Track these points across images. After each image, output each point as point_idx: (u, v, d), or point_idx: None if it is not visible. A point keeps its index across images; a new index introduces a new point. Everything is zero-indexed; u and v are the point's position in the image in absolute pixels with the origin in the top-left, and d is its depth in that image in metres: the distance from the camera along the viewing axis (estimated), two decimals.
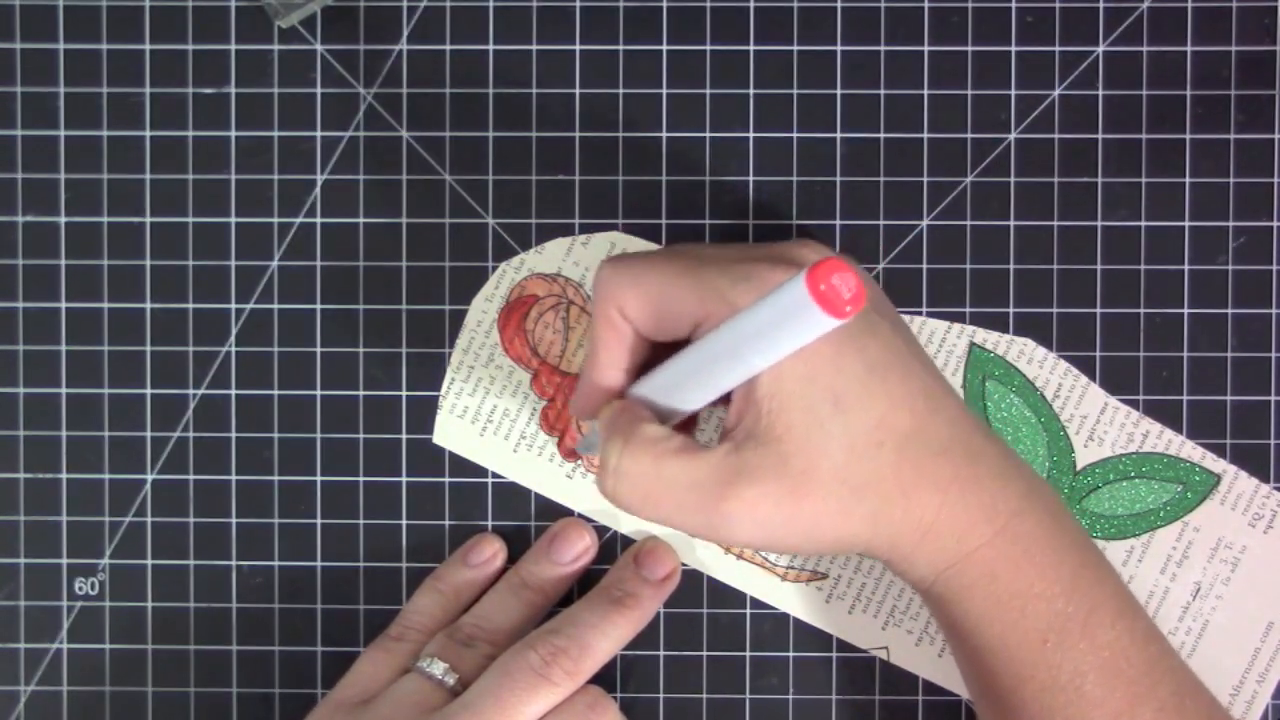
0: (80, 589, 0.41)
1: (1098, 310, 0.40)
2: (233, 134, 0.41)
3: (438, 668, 0.36)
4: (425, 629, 0.38)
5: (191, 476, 0.41)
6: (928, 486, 0.32)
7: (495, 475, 0.41)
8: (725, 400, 0.33)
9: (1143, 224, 0.40)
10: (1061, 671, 0.32)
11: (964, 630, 0.33)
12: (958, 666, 0.36)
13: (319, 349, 0.41)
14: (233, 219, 0.41)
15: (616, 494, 0.32)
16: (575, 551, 0.40)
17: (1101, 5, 0.40)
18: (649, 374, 0.34)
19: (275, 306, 0.41)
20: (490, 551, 0.40)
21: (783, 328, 0.28)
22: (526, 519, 0.41)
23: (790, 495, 0.31)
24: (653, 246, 0.41)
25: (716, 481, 0.31)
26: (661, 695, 0.41)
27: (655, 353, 0.34)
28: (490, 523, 0.41)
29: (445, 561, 0.40)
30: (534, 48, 0.41)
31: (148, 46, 0.41)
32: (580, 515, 0.41)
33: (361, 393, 0.41)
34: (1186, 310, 0.40)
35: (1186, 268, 0.40)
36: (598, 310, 0.33)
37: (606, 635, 0.37)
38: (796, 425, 0.31)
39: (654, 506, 0.32)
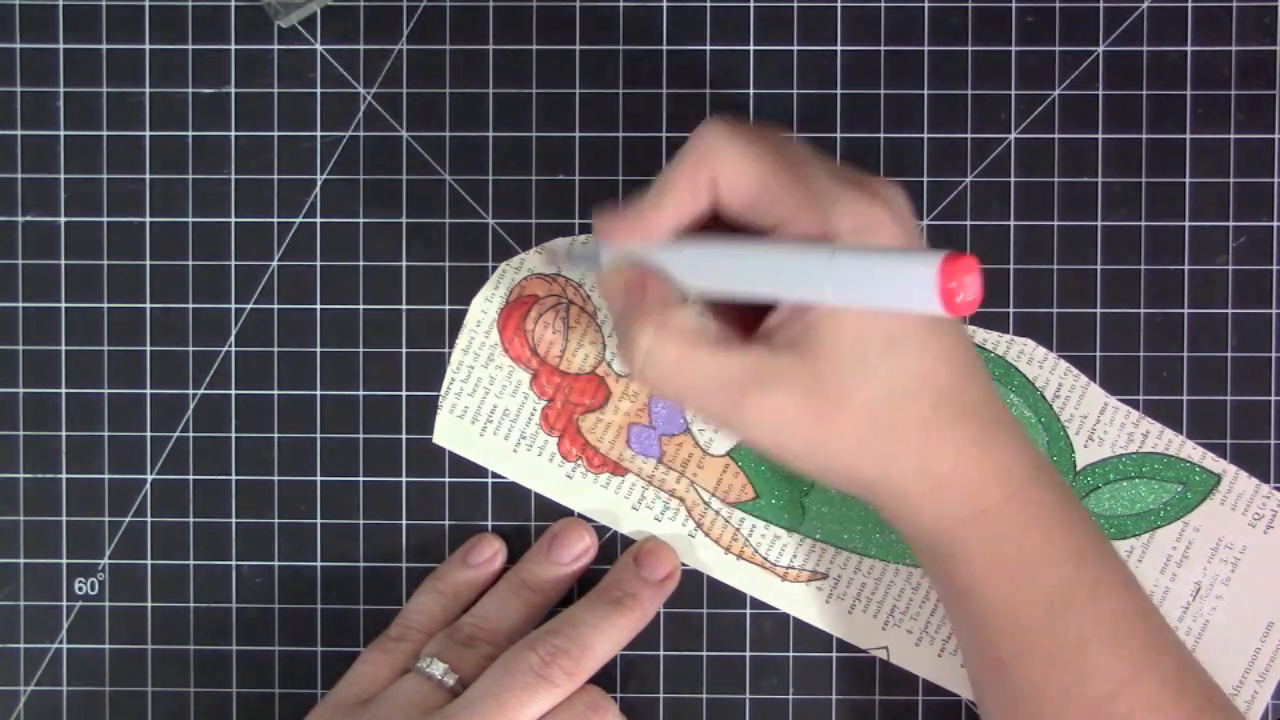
0: (80, 589, 0.41)
1: (1098, 310, 0.40)
2: (233, 134, 0.41)
3: (437, 668, 0.36)
4: (425, 629, 0.38)
5: (191, 476, 0.41)
6: (949, 444, 0.32)
7: (495, 475, 0.41)
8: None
9: (1143, 224, 0.40)
10: (1066, 638, 0.32)
11: (965, 591, 0.33)
12: (955, 635, 0.35)
13: (319, 349, 0.41)
14: (233, 219, 0.41)
15: (644, 375, 0.32)
16: (575, 551, 0.40)
17: (1101, 5, 0.40)
18: (695, 243, 0.33)
19: (275, 306, 0.41)
20: (490, 551, 0.40)
21: (887, 291, 0.28)
22: (526, 519, 0.41)
23: (814, 413, 0.31)
24: None
25: (746, 379, 0.31)
26: (661, 695, 0.41)
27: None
28: (490, 523, 0.41)
29: (445, 561, 0.40)
30: (534, 48, 0.41)
31: (148, 46, 0.41)
32: (580, 515, 0.41)
33: (361, 393, 0.41)
34: (1186, 310, 0.40)
35: (1186, 268, 0.40)
36: (690, 159, 0.32)
37: (606, 635, 0.37)
38: (842, 354, 0.31)
39: (678, 392, 0.32)
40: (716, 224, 0.33)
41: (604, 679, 0.37)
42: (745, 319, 0.33)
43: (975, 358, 0.33)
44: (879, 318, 0.31)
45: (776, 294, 0.31)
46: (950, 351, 0.32)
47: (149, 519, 0.41)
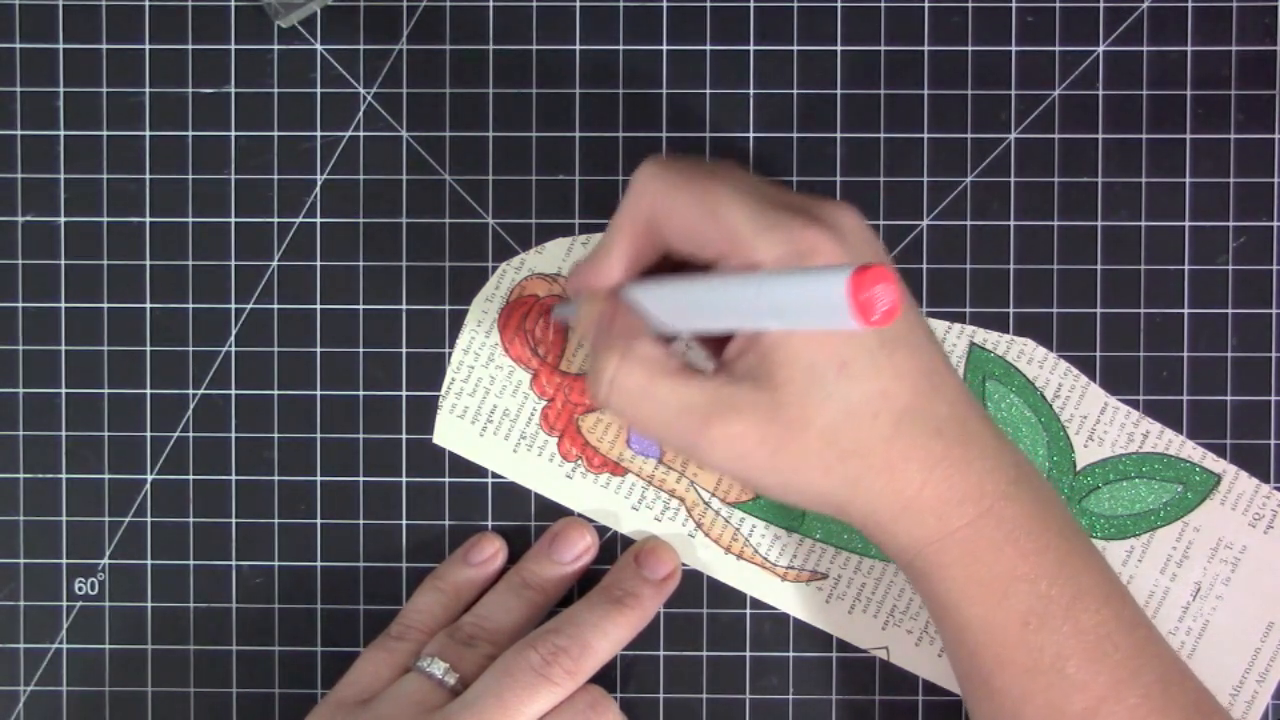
0: (80, 589, 0.41)
1: (1098, 310, 0.40)
2: (233, 134, 0.41)
3: (438, 667, 0.36)
4: (426, 628, 0.38)
5: (191, 476, 0.41)
6: (915, 462, 0.32)
7: (495, 475, 0.41)
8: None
9: (1143, 224, 0.40)
10: (1044, 654, 0.32)
11: (944, 607, 0.33)
12: (944, 648, 0.36)
13: (319, 349, 0.41)
14: (233, 219, 0.41)
15: (608, 403, 0.33)
16: (576, 551, 0.40)
17: (1101, 5, 0.40)
18: (653, 281, 0.33)
19: (275, 306, 0.41)
20: (491, 550, 0.40)
21: (808, 311, 0.28)
22: (526, 519, 0.41)
23: (775, 440, 0.31)
24: None
25: (706, 408, 0.32)
26: (661, 695, 0.41)
27: (664, 258, 0.34)
28: (490, 523, 0.41)
29: (446, 560, 0.40)
30: (534, 48, 0.41)
31: (148, 46, 0.41)
32: (580, 515, 0.41)
33: (361, 393, 0.41)
34: (1186, 310, 0.40)
35: (1186, 268, 0.40)
36: (628, 203, 0.33)
37: (607, 635, 0.37)
38: (797, 380, 0.31)
39: (643, 420, 0.33)
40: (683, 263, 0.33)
41: (604, 679, 0.37)
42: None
43: (941, 371, 0.33)
44: (831, 341, 0.31)
45: (726, 326, 0.32)
46: (907, 369, 0.32)
47: (149, 519, 0.41)
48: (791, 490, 0.32)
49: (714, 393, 0.32)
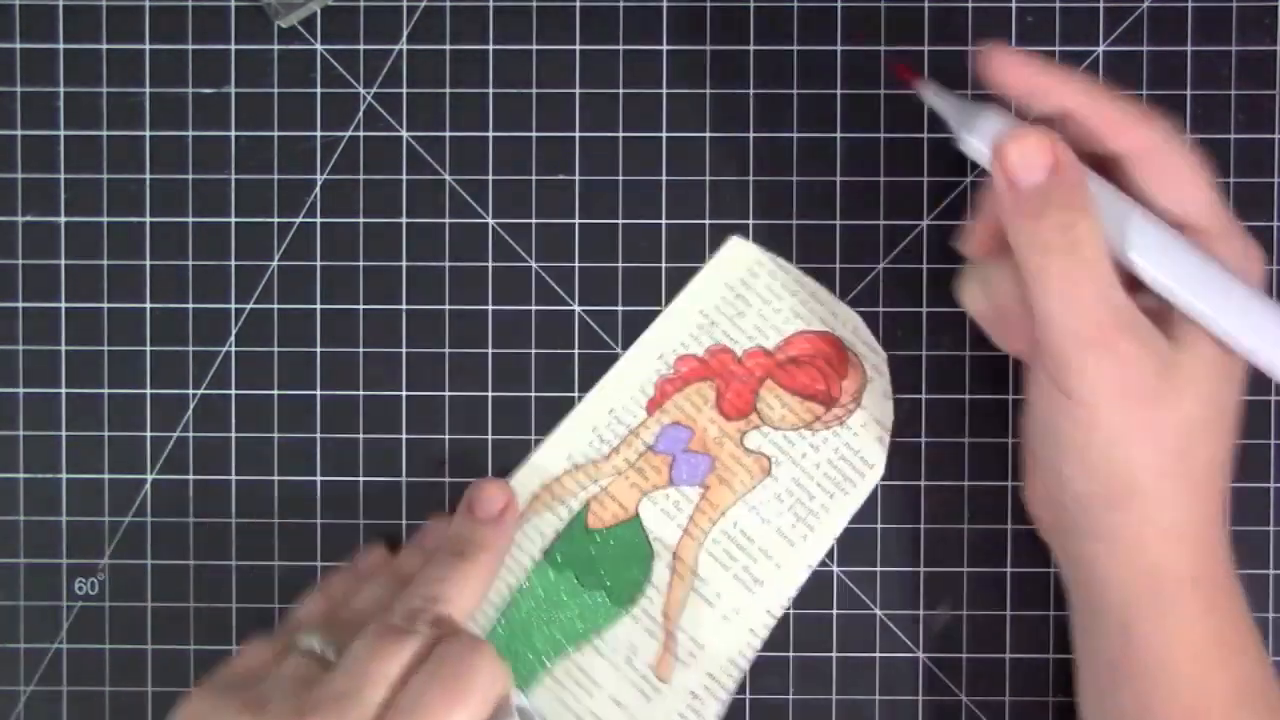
0: (80, 589, 0.41)
1: None
2: (233, 134, 0.41)
3: (315, 641, 0.34)
4: (308, 623, 0.37)
5: (191, 476, 0.41)
6: (1218, 497, 0.33)
7: (495, 477, 0.41)
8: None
9: None
10: None
11: (1142, 651, 0.33)
12: (1099, 683, 0.35)
13: (319, 349, 0.41)
14: (233, 219, 0.41)
15: (1051, 249, 0.31)
16: (435, 540, 0.39)
17: (1101, 5, 0.40)
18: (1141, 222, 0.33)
19: (275, 306, 0.41)
20: (378, 559, 0.39)
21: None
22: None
23: (1146, 394, 0.31)
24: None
25: (1120, 318, 0.31)
26: None
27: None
28: None
29: (335, 571, 0.39)
30: (534, 48, 0.41)
31: (148, 46, 0.41)
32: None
33: (361, 393, 0.41)
34: None
35: None
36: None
37: (457, 584, 0.36)
38: (1204, 361, 0.32)
39: (1064, 283, 0.31)
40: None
41: None
42: None
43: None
44: (1227, 401, 0.32)
45: (1167, 291, 0.32)
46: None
47: (149, 519, 0.41)
48: (1111, 444, 0.32)
49: (1135, 317, 0.31)
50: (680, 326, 0.40)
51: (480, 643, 0.33)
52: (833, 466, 0.40)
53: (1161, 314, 0.32)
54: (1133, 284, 0.32)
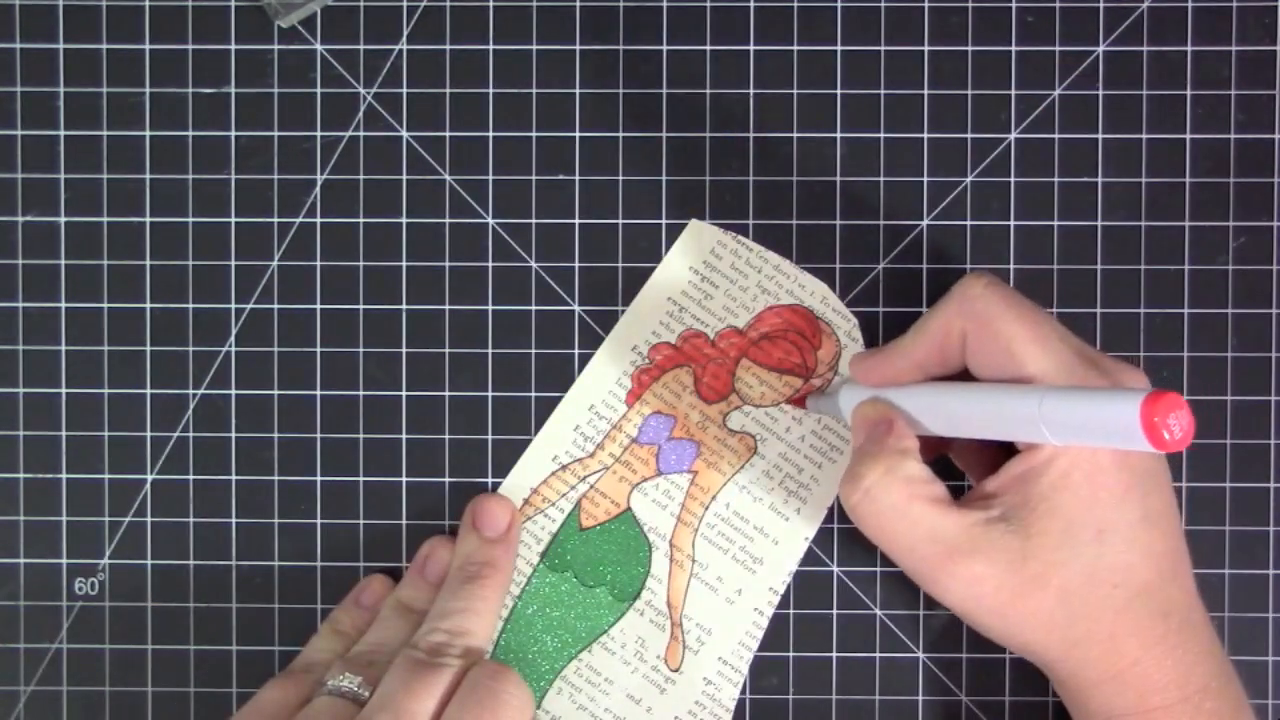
0: (80, 589, 0.41)
1: (1098, 310, 0.40)
2: (233, 134, 0.41)
3: (351, 680, 0.36)
4: (327, 664, 0.38)
5: (191, 476, 0.41)
6: (1136, 638, 0.33)
7: (495, 477, 0.41)
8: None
9: (1143, 224, 0.40)
10: None
11: None
12: None
13: (319, 349, 0.41)
14: (233, 219, 0.41)
15: (856, 512, 0.34)
16: (438, 569, 0.39)
17: (1101, 5, 0.40)
18: (929, 386, 0.34)
19: (275, 306, 0.41)
20: (382, 591, 0.40)
21: (1094, 429, 0.29)
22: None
23: (1012, 589, 0.32)
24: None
25: (953, 542, 0.32)
26: None
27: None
28: None
29: (339, 605, 0.40)
30: (534, 48, 0.41)
31: (148, 46, 0.41)
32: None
33: (361, 393, 0.41)
34: (1186, 310, 0.40)
35: (1186, 268, 0.40)
36: (946, 311, 0.34)
37: (477, 611, 0.37)
38: (1052, 535, 0.32)
39: (885, 538, 0.34)
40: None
41: None
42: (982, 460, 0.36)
43: (1183, 556, 0.34)
44: (1095, 510, 0.32)
45: (994, 435, 0.32)
46: (1160, 550, 0.33)
47: (149, 519, 0.41)
48: (1010, 637, 0.33)
49: (966, 529, 0.32)
50: (650, 316, 0.40)
51: (506, 670, 0.35)
52: (817, 437, 0.40)
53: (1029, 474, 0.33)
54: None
